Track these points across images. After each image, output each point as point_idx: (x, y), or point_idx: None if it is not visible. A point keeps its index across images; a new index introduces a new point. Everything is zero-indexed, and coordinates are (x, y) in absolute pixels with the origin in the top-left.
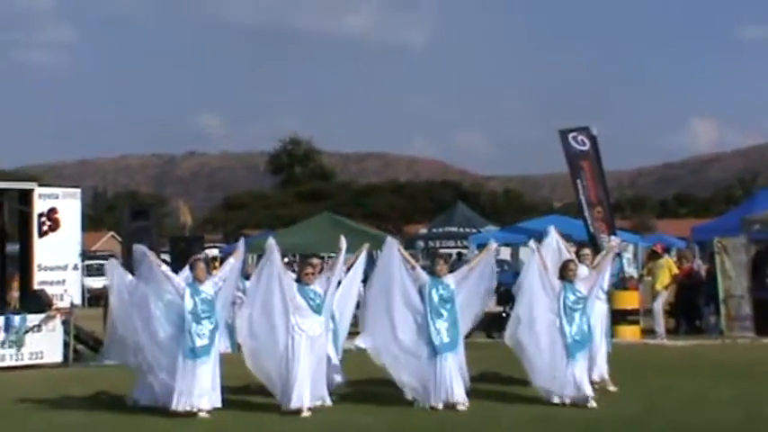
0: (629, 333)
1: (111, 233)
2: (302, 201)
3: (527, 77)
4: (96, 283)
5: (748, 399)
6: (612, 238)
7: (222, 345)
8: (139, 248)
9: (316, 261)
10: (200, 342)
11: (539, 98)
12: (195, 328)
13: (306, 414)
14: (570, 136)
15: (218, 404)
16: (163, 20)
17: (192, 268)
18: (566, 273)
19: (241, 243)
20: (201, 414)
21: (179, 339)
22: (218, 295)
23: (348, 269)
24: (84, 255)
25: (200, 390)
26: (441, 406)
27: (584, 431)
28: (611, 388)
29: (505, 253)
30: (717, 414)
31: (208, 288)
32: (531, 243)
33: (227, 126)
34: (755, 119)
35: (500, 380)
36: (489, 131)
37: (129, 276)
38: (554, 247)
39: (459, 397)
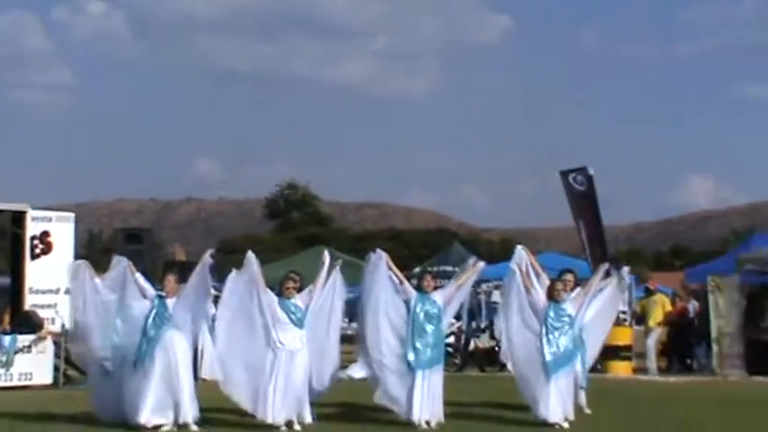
0: (621, 369)
1: None
2: (300, 245)
3: (526, 131)
4: None
5: (741, 425)
6: (625, 268)
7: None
8: (120, 258)
9: (296, 276)
10: (145, 355)
11: (537, 152)
12: (145, 339)
13: (283, 429)
14: (570, 176)
15: (188, 419)
16: (162, 65)
17: (163, 282)
18: (552, 292)
19: (206, 255)
20: (164, 429)
21: (134, 351)
22: (179, 309)
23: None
24: None
25: (149, 403)
26: (420, 422)
27: None
28: (587, 411)
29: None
30: None
31: (172, 302)
32: (512, 264)
33: (225, 172)
34: (754, 177)
35: (492, 405)
36: (487, 184)
37: (96, 280)
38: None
39: (437, 413)
